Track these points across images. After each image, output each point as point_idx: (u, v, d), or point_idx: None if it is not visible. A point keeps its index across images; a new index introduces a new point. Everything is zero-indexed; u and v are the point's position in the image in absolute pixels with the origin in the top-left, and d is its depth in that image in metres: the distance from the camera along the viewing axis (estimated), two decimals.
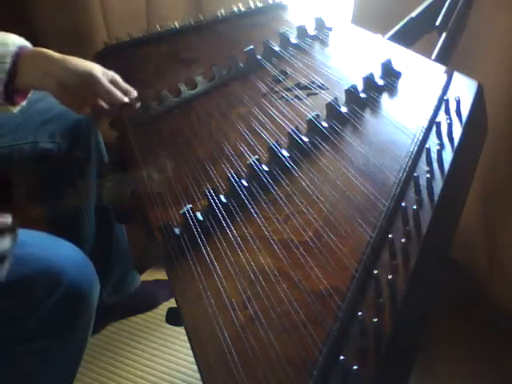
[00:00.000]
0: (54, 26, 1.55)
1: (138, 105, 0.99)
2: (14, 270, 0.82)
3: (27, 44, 0.96)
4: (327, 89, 0.89)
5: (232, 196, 0.73)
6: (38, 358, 0.87)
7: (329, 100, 0.81)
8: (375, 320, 0.51)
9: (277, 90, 0.94)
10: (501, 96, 1.05)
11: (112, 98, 0.94)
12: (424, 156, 0.68)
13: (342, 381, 0.49)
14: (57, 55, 0.94)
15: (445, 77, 0.79)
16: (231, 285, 0.62)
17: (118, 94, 0.94)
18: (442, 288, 0.65)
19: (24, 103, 0.97)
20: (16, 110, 0.95)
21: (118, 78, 0.97)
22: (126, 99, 0.95)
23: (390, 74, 0.85)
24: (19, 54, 0.91)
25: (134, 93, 0.97)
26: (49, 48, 1.03)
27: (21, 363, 0.87)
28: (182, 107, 0.99)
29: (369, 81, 0.83)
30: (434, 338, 0.97)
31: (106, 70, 0.96)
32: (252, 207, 0.71)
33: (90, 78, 0.92)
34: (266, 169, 0.75)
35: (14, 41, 0.93)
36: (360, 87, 0.83)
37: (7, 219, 0.71)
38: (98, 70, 0.94)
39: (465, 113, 0.72)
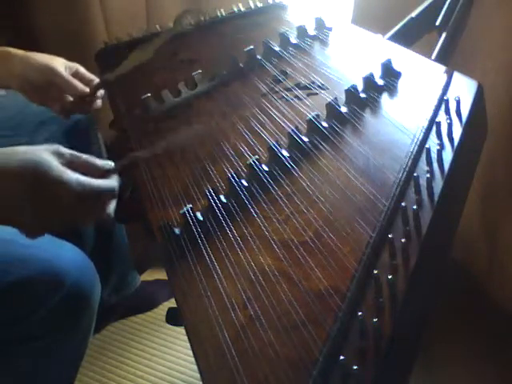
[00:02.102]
0: (54, 25, 1.55)
1: (101, 92, 0.98)
2: (15, 271, 0.82)
3: None
4: (327, 89, 0.89)
5: (232, 196, 0.73)
6: (39, 359, 0.88)
7: (329, 100, 0.81)
8: (375, 320, 0.51)
9: (277, 89, 0.94)
10: (501, 96, 1.05)
11: (71, 88, 0.93)
12: (424, 156, 0.68)
13: (342, 381, 0.49)
14: (20, 53, 0.94)
15: (445, 77, 0.80)
16: (231, 285, 0.62)
17: (79, 84, 0.94)
18: (442, 288, 0.65)
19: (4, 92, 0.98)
20: None
21: (82, 69, 0.96)
22: (87, 89, 0.95)
23: (390, 74, 0.85)
24: None
25: (96, 80, 0.97)
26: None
27: (22, 363, 0.87)
28: (182, 107, 0.99)
29: (369, 81, 0.83)
30: (433, 338, 0.97)
31: (70, 63, 0.95)
32: (252, 207, 0.71)
33: (51, 71, 0.92)
34: (265, 169, 0.75)
35: None
36: (360, 87, 0.83)
37: (109, 164, 0.69)
38: (58, 63, 0.94)
39: (465, 113, 0.72)
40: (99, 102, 1.02)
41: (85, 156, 0.67)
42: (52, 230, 0.67)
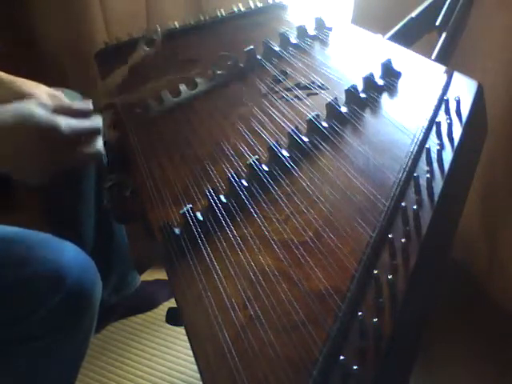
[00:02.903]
0: (54, 26, 1.55)
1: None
2: (17, 270, 0.82)
3: None
4: (327, 89, 0.89)
5: (232, 196, 0.73)
6: (40, 359, 0.88)
7: (329, 100, 0.81)
8: (375, 320, 0.51)
9: (277, 89, 0.94)
10: (501, 96, 1.05)
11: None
12: (424, 156, 0.68)
13: (342, 381, 0.49)
14: (6, 77, 0.92)
15: (445, 77, 0.80)
16: (231, 285, 0.62)
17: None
18: (442, 288, 0.65)
19: None
20: None
21: (61, 95, 0.91)
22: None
23: (390, 74, 0.85)
24: None
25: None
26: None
27: (22, 364, 0.87)
28: (182, 107, 0.99)
29: (369, 81, 0.83)
30: (433, 338, 0.97)
31: (52, 91, 0.91)
32: (252, 207, 0.71)
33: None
34: (266, 169, 0.75)
35: None
36: (360, 87, 0.83)
37: (89, 104, 0.77)
38: (40, 95, 0.89)
39: (465, 113, 0.72)
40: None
41: (66, 102, 0.79)
42: (52, 172, 0.73)
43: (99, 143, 0.76)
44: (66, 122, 0.71)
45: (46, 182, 0.73)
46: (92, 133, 0.75)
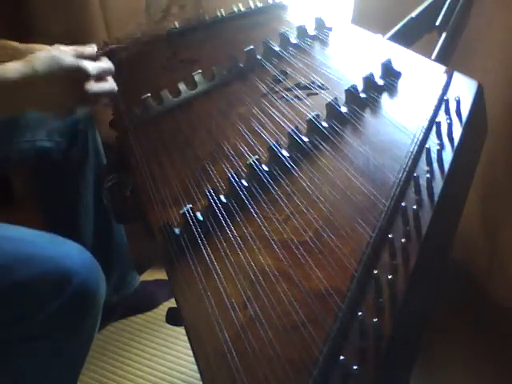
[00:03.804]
0: (54, 25, 1.55)
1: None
2: (23, 270, 0.82)
3: None
4: (327, 89, 0.89)
5: (232, 196, 0.73)
6: (44, 358, 0.88)
7: (329, 100, 0.81)
8: (375, 320, 0.51)
9: (277, 90, 0.94)
10: (501, 96, 1.05)
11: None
12: (424, 156, 0.68)
13: (342, 381, 0.49)
14: (20, 46, 1.07)
15: (445, 77, 0.79)
16: (231, 285, 0.62)
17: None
18: (442, 288, 0.65)
19: None
20: None
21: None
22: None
23: (390, 74, 0.85)
24: None
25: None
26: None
27: (26, 363, 0.87)
28: (182, 107, 0.99)
29: (369, 81, 0.83)
30: (433, 338, 0.97)
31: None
32: (252, 207, 0.71)
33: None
34: (266, 169, 0.75)
35: None
36: (360, 87, 0.83)
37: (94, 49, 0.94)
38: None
39: (465, 113, 0.72)
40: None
41: (79, 48, 0.90)
42: (82, 105, 0.88)
43: (112, 81, 0.90)
44: (90, 64, 0.85)
45: (73, 113, 0.88)
46: (107, 72, 0.90)
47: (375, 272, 0.55)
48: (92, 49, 0.92)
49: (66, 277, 0.83)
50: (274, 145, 0.77)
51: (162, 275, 1.52)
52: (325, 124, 0.79)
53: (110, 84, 0.90)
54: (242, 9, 1.27)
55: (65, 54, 0.85)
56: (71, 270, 0.84)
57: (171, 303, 1.44)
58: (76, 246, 0.89)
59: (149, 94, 0.99)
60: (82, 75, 0.84)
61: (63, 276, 0.83)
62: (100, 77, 0.88)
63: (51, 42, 1.49)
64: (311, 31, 1.07)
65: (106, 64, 0.90)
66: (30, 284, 0.82)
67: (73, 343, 0.90)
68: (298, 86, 0.92)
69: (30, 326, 0.83)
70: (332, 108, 0.80)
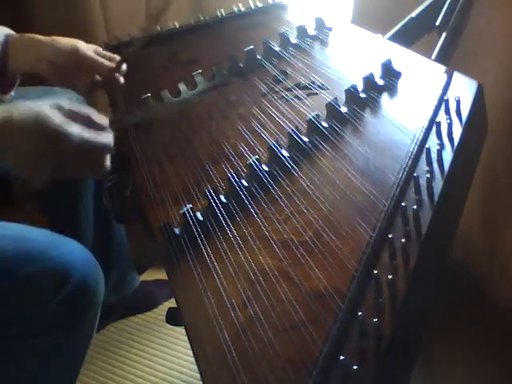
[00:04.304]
0: (54, 26, 1.55)
1: (124, 67, 1.05)
2: (22, 267, 0.82)
3: (13, 32, 1.03)
4: (327, 89, 0.89)
5: (232, 196, 0.73)
6: (43, 355, 0.88)
7: (329, 100, 0.81)
8: (375, 320, 0.51)
9: (277, 90, 0.94)
10: (501, 96, 1.05)
11: (99, 66, 1.02)
12: (424, 156, 0.68)
13: (342, 381, 0.49)
14: (44, 38, 1.01)
15: (445, 77, 0.80)
16: (231, 285, 0.62)
17: (105, 61, 1.02)
18: (442, 288, 0.65)
19: (13, 92, 1.04)
20: (7, 98, 1.01)
21: (100, 49, 1.05)
22: (112, 64, 1.03)
23: (390, 74, 0.85)
24: (7, 41, 0.98)
25: (118, 57, 1.04)
26: None
27: (25, 360, 0.87)
28: (182, 107, 0.99)
29: (369, 81, 0.83)
30: (433, 338, 0.97)
31: (89, 44, 1.03)
32: (252, 207, 0.71)
33: (77, 53, 0.99)
34: (266, 169, 0.75)
35: (1, 30, 1.00)
36: (360, 87, 0.83)
37: (106, 119, 0.74)
38: (82, 44, 1.02)
39: (465, 113, 0.72)
40: (122, 79, 1.07)
41: (83, 109, 0.72)
42: (54, 178, 0.71)
43: (107, 161, 0.73)
44: (78, 132, 0.69)
45: (45, 186, 0.71)
46: (102, 149, 0.72)
47: (375, 272, 0.55)
48: (102, 118, 0.74)
49: (65, 274, 0.83)
50: (273, 145, 0.77)
51: (162, 275, 1.52)
52: (325, 124, 0.79)
53: (99, 164, 0.73)
54: (242, 9, 1.28)
55: (59, 110, 0.69)
56: (70, 267, 0.84)
57: (171, 303, 1.44)
58: (75, 243, 0.89)
59: (149, 94, 0.99)
60: (64, 141, 0.68)
61: (63, 273, 0.83)
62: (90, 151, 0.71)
63: None
64: (311, 31, 1.07)
65: (104, 139, 0.72)
66: (30, 281, 0.82)
67: (72, 340, 0.90)
68: (298, 85, 0.92)
69: (30, 324, 0.83)
70: (332, 108, 0.80)
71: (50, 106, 0.69)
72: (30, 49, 1.00)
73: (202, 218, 0.72)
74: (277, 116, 0.87)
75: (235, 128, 0.88)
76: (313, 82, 0.91)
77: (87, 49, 1.02)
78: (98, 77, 1.04)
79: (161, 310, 1.47)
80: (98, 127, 0.72)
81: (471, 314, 1.18)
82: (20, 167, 0.70)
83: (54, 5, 1.54)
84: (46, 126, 0.67)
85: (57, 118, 0.68)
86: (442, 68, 0.83)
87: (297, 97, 0.90)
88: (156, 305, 1.48)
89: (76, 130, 0.68)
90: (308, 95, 0.90)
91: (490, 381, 1.10)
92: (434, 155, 0.67)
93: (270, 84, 0.96)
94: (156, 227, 0.73)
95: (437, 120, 0.71)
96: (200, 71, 1.03)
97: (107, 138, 0.72)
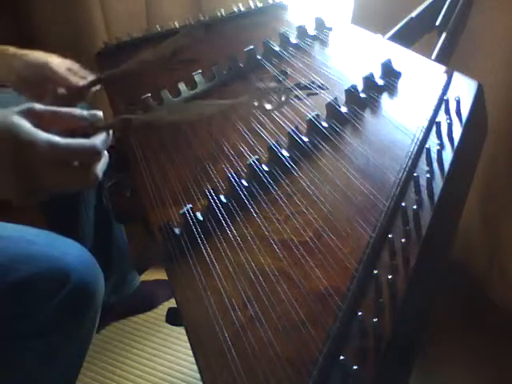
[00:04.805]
0: (54, 26, 1.55)
1: (97, 87, 1.06)
2: (22, 268, 0.83)
3: None
4: (327, 89, 0.89)
5: (232, 196, 0.73)
6: (43, 357, 0.88)
7: (329, 100, 0.81)
8: (375, 320, 0.51)
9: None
10: (501, 96, 1.05)
11: (66, 83, 1.02)
12: (424, 156, 0.68)
13: (342, 381, 0.49)
14: (17, 51, 1.03)
15: (445, 77, 0.79)
16: (231, 285, 0.62)
17: (72, 78, 1.03)
18: (442, 288, 0.65)
19: None
20: None
21: (75, 66, 1.05)
22: (82, 82, 1.04)
23: (390, 74, 0.85)
24: None
25: (90, 76, 1.05)
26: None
27: (25, 361, 0.87)
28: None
29: (369, 81, 0.83)
30: (433, 338, 0.97)
31: (64, 60, 1.04)
32: (252, 207, 0.71)
33: (46, 68, 1.00)
34: (266, 169, 0.75)
35: None
36: (360, 87, 0.83)
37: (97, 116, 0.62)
38: (54, 59, 1.02)
39: (465, 113, 0.72)
40: (91, 96, 1.09)
41: (64, 110, 0.62)
42: (36, 196, 0.61)
43: (98, 167, 0.61)
44: (46, 139, 0.57)
45: (24, 203, 0.61)
46: (89, 154, 0.60)
47: (375, 272, 0.55)
48: (92, 116, 0.62)
49: (64, 274, 0.83)
50: (273, 145, 0.77)
51: (162, 275, 1.52)
52: (325, 124, 0.79)
53: (85, 172, 0.60)
54: (242, 9, 1.28)
55: (29, 117, 0.58)
56: (70, 267, 0.84)
57: (171, 303, 1.44)
58: (75, 244, 0.90)
59: (149, 94, 0.99)
60: (31, 151, 0.57)
61: (62, 274, 0.83)
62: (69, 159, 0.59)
63: (51, 43, 1.49)
64: (311, 31, 1.07)
65: (90, 142, 0.60)
66: (29, 282, 0.82)
67: (72, 341, 0.90)
68: (298, 86, 0.92)
69: (30, 324, 0.83)
70: (332, 108, 0.80)
71: (18, 115, 0.58)
72: (2, 61, 1.02)
73: (201, 218, 0.72)
74: (277, 116, 0.86)
75: (235, 128, 0.88)
76: (313, 82, 0.91)
77: (58, 64, 1.03)
78: (63, 91, 1.04)
79: (161, 310, 1.48)
80: (85, 129, 0.62)
81: (471, 314, 1.18)
82: None
83: (53, 5, 1.54)
84: (14, 139, 0.57)
85: (25, 129, 0.57)
86: (442, 68, 0.83)
87: (297, 97, 0.90)
88: (156, 305, 1.49)
89: (45, 137, 0.57)
90: (308, 95, 0.90)
91: (490, 381, 1.10)
92: (434, 155, 0.67)
93: None
94: (156, 227, 0.73)
95: (437, 120, 0.71)
96: (200, 71, 1.02)
97: (90, 141, 0.60)
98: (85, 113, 0.62)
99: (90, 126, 0.62)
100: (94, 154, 0.60)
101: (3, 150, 0.57)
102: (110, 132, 0.63)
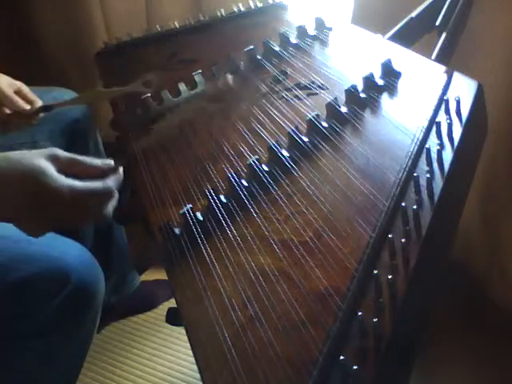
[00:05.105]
0: (54, 26, 1.55)
1: (43, 114, 1.08)
2: (23, 268, 0.83)
3: None
4: (327, 89, 0.89)
5: (232, 196, 0.73)
6: (43, 357, 0.88)
7: (329, 100, 0.81)
8: (375, 320, 0.51)
9: (277, 90, 0.94)
10: (501, 96, 1.05)
11: (11, 104, 1.05)
12: (424, 156, 0.68)
13: (342, 381, 0.49)
14: None
15: (445, 77, 0.79)
16: (231, 285, 0.62)
17: (18, 100, 1.05)
18: (442, 288, 0.65)
19: None
20: None
21: (26, 89, 1.08)
22: (28, 107, 1.06)
23: (390, 74, 0.85)
24: None
25: (39, 103, 1.08)
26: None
27: (25, 361, 0.87)
28: (182, 107, 0.99)
29: (369, 81, 0.83)
30: (433, 338, 0.97)
31: (14, 81, 1.06)
32: (252, 207, 0.71)
33: None
34: (266, 169, 0.75)
35: None
36: (360, 87, 0.83)
37: (109, 164, 0.69)
38: (2, 81, 1.05)
39: (465, 113, 0.72)
40: (35, 122, 1.10)
41: (82, 158, 0.67)
42: (50, 231, 0.67)
43: (109, 207, 0.66)
44: (68, 185, 0.62)
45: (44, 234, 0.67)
46: (101, 196, 0.66)
47: (375, 272, 0.55)
48: (103, 163, 0.68)
49: (65, 275, 0.83)
50: (273, 145, 0.77)
51: (162, 275, 1.52)
52: (325, 124, 0.79)
53: (99, 212, 0.66)
54: (242, 9, 1.28)
55: (54, 161, 0.63)
56: (70, 267, 0.84)
57: (171, 303, 1.44)
58: (75, 244, 0.90)
59: (149, 94, 0.99)
60: (54, 198, 0.62)
61: (62, 274, 0.83)
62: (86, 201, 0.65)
63: (51, 43, 1.49)
64: (311, 31, 1.07)
65: (104, 185, 0.66)
66: (30, 283, 0.82)
67: (73, 341, 0.90)
68: (298, 85, 0.92)
69: (30, 325, 0.84)
70: (332, 108, 0.80)
71: (43, 159, 0.63)
72: None
73: (201, 218, 0.72)
74: (277, 116, 0.87)
75: (235, 128, 0.88)
76: (313, 82, 0.91)
77: (7, 85, 1.05)
78: (8, 111, 1.06)
79: (161, 310, 1.48)
80: (101, 172, 0.67)
81: (471, 314, 1.18)
82: (11, 221, 0.65)
83: (53, 5, 1.54)
84: (38, 183, 0.62)
85: (49, 174, 0.62)
86: (442, 68, 0.83)
87: (297, 97, 0.90)
88: (156, 305, 1.48)
89: (66, 183, 0.63)
90: (308, 95, 0.90)
91: (490, 381, 1.10)
92: (434, 155, 0.67)
93: (270, 84, 0.96)
94: (156, 227, 0.74)
95: (437, 120, 0.71)
96: (200, 71, 1.02)
97: (105, 183, 0.66)
98: (99, 162, 0.68)
99: (104, 171, 0.67)
100: (109, 194, 0.66)
101: (25, 192, 0.62)
102: (121, 172, 0.69)
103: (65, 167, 0.64)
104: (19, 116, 1.07)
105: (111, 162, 0.68)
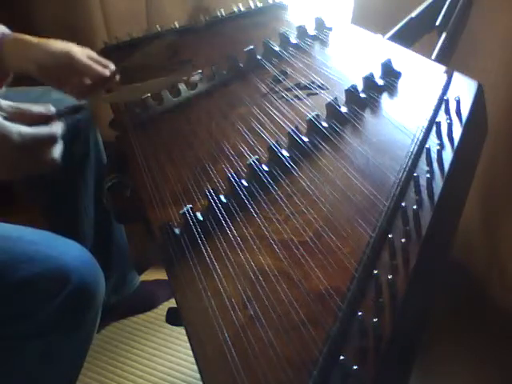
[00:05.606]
0: (54, 25, 1.55)
1: (118, 77, 1.06)
2: (22, 268, 0.83)
3: (8, 32, 1.03)
4: (327, 89, 0.89)
5: (232, 196, 0.73)
6: (43, 357, 0.88)
7: (329, 100, 0.81)
8: (375, 320, 0.51)
9: (277, 90, 0.94)
10: (501, 96, 1.05)
11: (91, 72, 1.01)
12: (424, 156, 0.68)
13: (342, 381, 0.49)
14: (36, 40, 1.02)
15: (445, 77, 0.79)
16: (231, 285, 0.62)
17: (98, 67, 1.02)
18: (442, 288, 0.65)
19: (4, 89, 1.05)
20: None
21: (94, 54, 1.04)
22: (106, 72, 1.03)
23: (390, 74, 0.85)
24: (1, 41, 0.99)
25: (112, 66, 1.04)
26: None
27: (25, 361, 0.87)
28: (182, 107, 0.99)
29: (369, 81, 0.83)
30: (433, 338, 0.97)
31: (83, 49, 1.03)
32: (252, 207, 0.71)
33: (68, 56, 1.00)
34: (266, 169, 0.75)
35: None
36: (360, 87, 0.83)
37: (49, 109, 0.74)
38: (75, 48, 1.02)
39: (465, 113, 0.72)
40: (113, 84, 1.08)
41: (25, 105, 0.72)
42: (9, 178, 0.72)
43: (55, 151, 0.72)
44: (17, 130, 0.68)
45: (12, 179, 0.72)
46: (47, 140, 0.71)
47: (375, 272, 0.55)
48: (45, 108, 0.74)
49: (65, 275, 0.83)
50: (273, 145, 0.77)
51: (162, 275, 1.52)
52: (325, 124, 0.79)
53: (46, 156, 0.71)
54: (242, 9, 1.28)
55: None
56: (70, 268, 0.84)
57: (171, 303, 1.44)
58: (75, 244, 0.90)
59: (149, 94, 0.99)
60: (5, 142, 0.68)
61: (62, 274, 0.83)
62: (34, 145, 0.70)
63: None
64: (311, 31, 1.07)
65: (48, 130, 0.72)
66: (30, 283, 0.83)
67: (73, 341, 0.90)
68: (298, 85, 0.92)
69: (30, 325, 0.84)
70: (332, 108, 0.80)
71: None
72: (19, 50, 1.01)
73: (201, 218, 0.72)
74: (277, 116, 0.87)
75: (235, 128, 0.88)
76: (313, 82, 0.91)
77: (80, 53, 1.02)
78: (88, 81, 1.04)
79: (161, 310, 1.48)
80: (43, 119, 0.72)
81: (471, 314, 1.18)
82: None
83: (53, 4, 1.54)
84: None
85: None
86: (442, 68, 0.83)
87: (297, 97, 0.90)
88: (156, 305, 1.48)
89: (15, 128, 0.68)
90: (308, 95, 0.90)
91: (490, 381, 1.10)
92: (434, 155, 0.67)
93: (270, 84, 0.96)
94: (156, 227, 0.73)
95: (437, 120, 0.71)
96: (200, 71, 1.03)
97: (51, 128, 0.72)
98: (42, 108, 0.73)
99: (47, 117, 0.73)
100: (53, 139, 0.72)
101: None
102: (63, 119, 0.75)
103: (10, 115, 0.69)
104: (101, 83, 1.04)
105: (52, 108, 0.73)
